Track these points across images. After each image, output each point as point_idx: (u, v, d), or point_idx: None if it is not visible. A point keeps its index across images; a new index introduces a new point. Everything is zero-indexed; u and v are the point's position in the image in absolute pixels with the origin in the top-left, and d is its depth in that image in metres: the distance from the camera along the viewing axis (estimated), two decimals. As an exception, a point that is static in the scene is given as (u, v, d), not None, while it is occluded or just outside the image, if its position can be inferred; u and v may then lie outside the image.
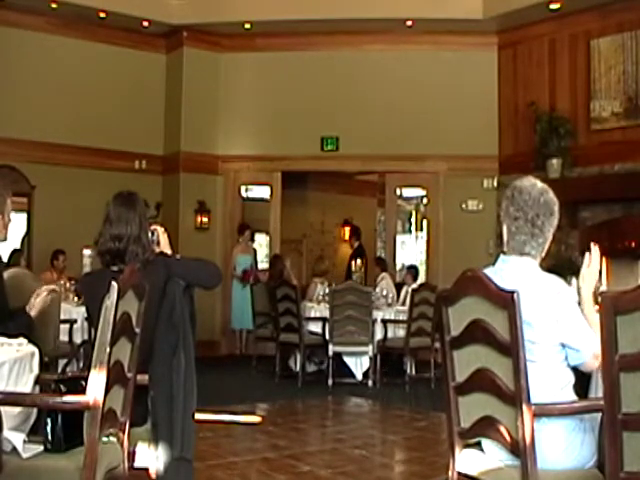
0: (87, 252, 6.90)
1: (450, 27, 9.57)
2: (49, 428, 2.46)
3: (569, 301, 2.46)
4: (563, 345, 2.44)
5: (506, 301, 2.29)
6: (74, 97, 9.71)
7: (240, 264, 10.01)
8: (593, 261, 2.62)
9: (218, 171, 10.43)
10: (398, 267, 10.78)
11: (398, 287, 9.21)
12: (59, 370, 3.66)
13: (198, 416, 3.15)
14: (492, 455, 2.49)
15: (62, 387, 2.56)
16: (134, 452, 2.88)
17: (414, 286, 8.61)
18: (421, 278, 10.77)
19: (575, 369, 2.50)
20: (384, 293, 8.55)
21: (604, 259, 8.20)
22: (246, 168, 10.60)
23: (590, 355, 2.39)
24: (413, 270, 9.22)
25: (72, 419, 2.44)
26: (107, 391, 2.33)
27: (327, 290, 8.33)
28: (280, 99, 10.31)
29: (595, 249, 2.63)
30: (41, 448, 2.43)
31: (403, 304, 8.56)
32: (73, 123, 9.65)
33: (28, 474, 2.33)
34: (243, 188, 10.77)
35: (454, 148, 9.80)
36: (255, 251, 10.58)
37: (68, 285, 7.15)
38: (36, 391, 2.54)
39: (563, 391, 2.45)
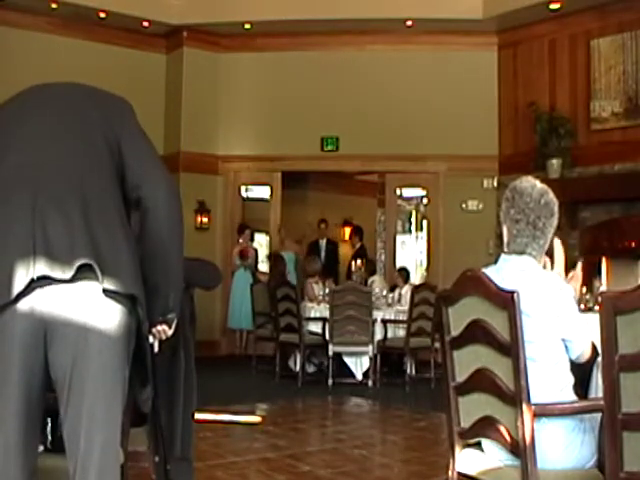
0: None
1: (450, 27, 9.57)
2: (49, 428, 2.46)
3: (569, 297, 2.48)
4: (563, 341, 2.45)
5: (506, 301, 2.30)
6: (74, 97, 9.70)
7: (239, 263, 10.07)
8: (576, 276, 2.81)
9: (218, 171, 10.43)
10: (397, 267, 10.75)
11: (391, 289, 9.17)
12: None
13: (198, 416, 3.16)
14: (492, 455, 2.49)
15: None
16: (134, 452, 2.88)
17: (406, 288, 8.66)
18: (421, 278, 10.80)
19: (574, 371, 2.51)
20: (383, 293, 8.57)
21: (604, 259, 8.22)
22: (246, 168, 10.60)
23: (585, 346, 2.47)
24: (404, 272, 9.22)
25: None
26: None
27: (327, 290, 8.34)
28: (280, 99, 10.31)
29: (579, 266, 2.83)
30: (41, 448, 2.43)
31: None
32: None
33: (28, 474, 2.33)
34: (243, 188, 10.77)
35: (454, 148, 9.80)
36: (256, 251, 10.58)
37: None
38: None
39: (563, 392, 2.45)
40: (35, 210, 1.86)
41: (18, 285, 1.81)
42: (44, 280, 1.82)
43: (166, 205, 2.02)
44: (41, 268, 1.81)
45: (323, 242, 11.22)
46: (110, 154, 2.02)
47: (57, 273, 1.82)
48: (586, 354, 2.50)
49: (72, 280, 1.83)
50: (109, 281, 1.86)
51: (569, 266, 2.78)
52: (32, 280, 1.81)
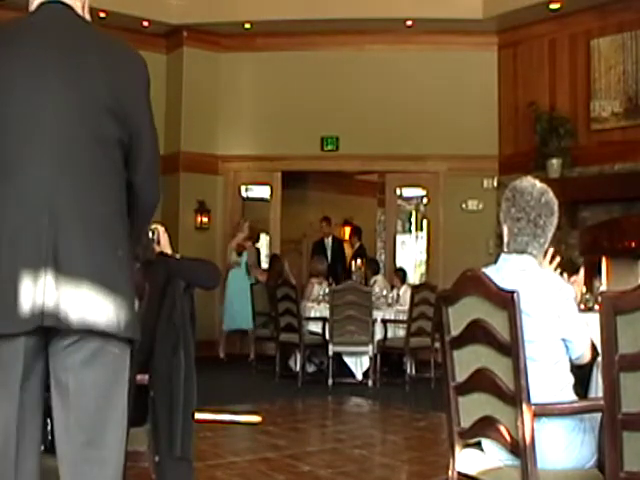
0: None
1: (450, 27, 9.57)
2: (49, 428, 2.45)
3: (569, 297, 2.49)
4: (563, 341, 2.45)
5: (506, 301, 2.29)
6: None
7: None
8: (578, 281, 2.89)
9: (218, 171, 10.43)
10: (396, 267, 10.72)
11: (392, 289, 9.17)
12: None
13: (198, 416, 3.16)
14: (492, 455, 2.49)
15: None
16: (134, 452, 2.88)
17: (403, 288, 8.68)
18: (421, 278, 10.80)
19: (574, 370, 2.51)
20: (384, 293, 8.57)
21: (604, 259, 8.22)
22: (246, 168, 10.60)
23: (585, 347, 2.47)
24: (400, 273, 9.24)
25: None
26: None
27: (327, 290, 8.34)
28: (280, 99, 10.31)
29: (582, 271, 2.94)
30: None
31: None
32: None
33: (28, 474, 2.32)
34: (243, 188, 10.76)
35: (454, 148, 9.79)
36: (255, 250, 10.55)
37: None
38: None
39: (563, 392, 2.45)
40: (42, 230, 1.79)
41: (30, 321, 1.79)
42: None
43: (152, 198, 2.07)
44: (49, 318, 1.79)
45: (329, 240, 11.09)
46: (120, 144, 1.95)
47: (62, 323, 1.81)
48: (587, 355, 2.50)
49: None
50: (110, 328, 1.87)
51: (571, 269, 2.81)
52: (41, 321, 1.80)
